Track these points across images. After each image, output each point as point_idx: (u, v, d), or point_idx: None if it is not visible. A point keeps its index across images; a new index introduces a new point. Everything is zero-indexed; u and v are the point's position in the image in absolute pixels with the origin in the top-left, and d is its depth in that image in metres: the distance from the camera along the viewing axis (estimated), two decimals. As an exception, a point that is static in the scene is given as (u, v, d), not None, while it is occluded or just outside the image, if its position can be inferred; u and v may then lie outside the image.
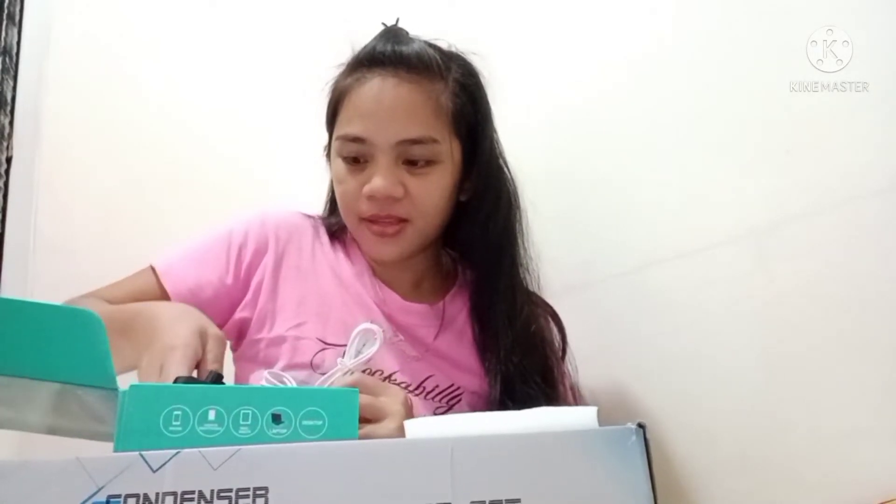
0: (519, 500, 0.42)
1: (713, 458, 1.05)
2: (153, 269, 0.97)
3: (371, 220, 0.94)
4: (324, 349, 0.92)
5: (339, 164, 0.95)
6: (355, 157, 0.93)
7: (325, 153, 1.03)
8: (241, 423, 0.50)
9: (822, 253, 1.01)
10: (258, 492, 0.40)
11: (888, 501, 0.93)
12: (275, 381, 0.75)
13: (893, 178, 0.97)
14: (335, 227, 1.05)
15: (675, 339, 1.10)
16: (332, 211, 1.07)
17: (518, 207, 1.02)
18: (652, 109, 1.17)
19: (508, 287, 0.99)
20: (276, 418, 0.51)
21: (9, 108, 1.39)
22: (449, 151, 0.94)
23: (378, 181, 0.90)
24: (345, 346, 0.81)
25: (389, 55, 0.93)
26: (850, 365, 0.98)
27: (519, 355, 0.94)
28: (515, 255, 1.01)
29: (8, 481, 0.42)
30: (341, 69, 0.99)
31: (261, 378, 0.85)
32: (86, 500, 0.41)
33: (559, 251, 1.22)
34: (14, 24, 1.41)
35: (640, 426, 0.45)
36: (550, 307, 1.08)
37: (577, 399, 1.04)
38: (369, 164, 0.92)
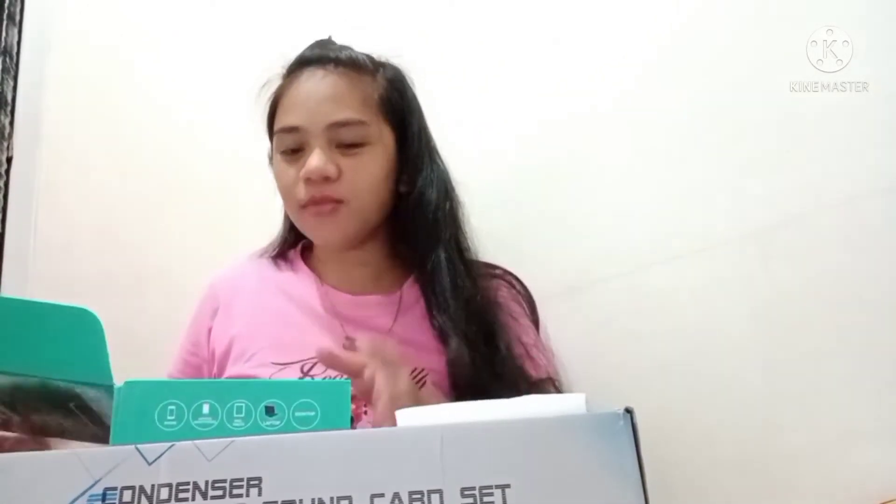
0: (509, 486, 0.42)
1: (713, 458, 1.05)
2: None
3: (311, 204, 0.97)
4: (281, 370, 0.94)
5: (278, 159, 1.00)
6: (293, 148, 0.98)
7: (269, 161, 1.07)
8: (235, 415, 0.51)
9: (821, 253, 1.01)
10: (252, 482, 0.40)
11: (888, 502, 0.93)
12: None
13: (893, 179, 0.97)
14: (280, 246, 1.12)
15: (675, 340, 1.10)
16: (284, 224, 1.13)
17: (452, 199, 1.06)
18: (652, 109, 1.17)
19: (448, 259, 1.01)
20: (270, 410, 0.51)
21: (9, 108, 1.39)
22: (379, 134, 0.98)
23: (312, 161, 0.95)
24: (302, 360, 0.90)
25: (318, 56, 1.01)
26: (849, 365, 0.98)
27: (465, 321, 0.94)
28: (453, 233, 1.02)
29: (4, 474, 0.42)
30: (277, 82, 1.06)
31: None
32: (82, 493, 0.41)
33: (559, 252, 1.22)
34: (14, 24, 1.42)
35: (628, 411, 0.46)
36: (512, 275, 1.10)
37: (545, 358, 1.03)
38: (305, 152, 0.97)
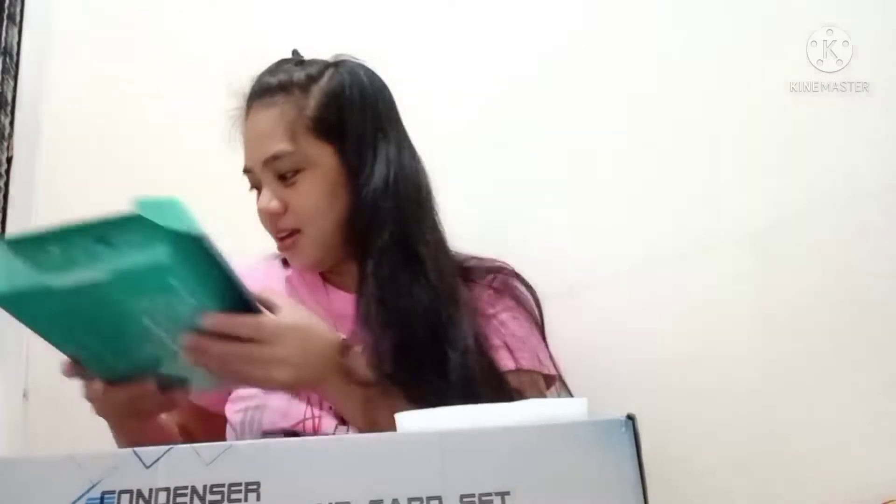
0: (508, 493, 0.42)
1: (713, 458, 1.05)
2: None
3: (277, 238, 1.00)
4: None
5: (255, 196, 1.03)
6: (254, 187, 1.01)
7: None
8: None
9: (821, 253, 1.01)
10: (250, 487, 0.40)
11: (888, 502, 0.93)
12: None
13: (893, 179, 0.97)
14: None
15: (675, 340, 1.10)
16: None
17: (400, 192, 0.99)
18: (652, 109, 1.17)
19: (385, 258, 0.97)
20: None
21: (9, 108, 1.39)
22: (310, 156, 0.97)
23: (259, 201, 0.99)
24: None
25: (257, 88, 1.02)
26: (850, 366, 0.98)
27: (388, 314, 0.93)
28: (399, 227, 0.99)
29: (3, 477, 0.42)
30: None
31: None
32: (80, 497, 0.41)
33: (559, 252, 1.22)
34: (14, 24, 1.41)
35: (630, 417, 0.45)
36: (507, 270, 1.05)
37: (527, 350, 1.01)
38: (260, 190, 1.00)
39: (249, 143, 1.00)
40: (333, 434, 0.90)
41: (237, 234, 1.27)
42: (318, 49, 1.06)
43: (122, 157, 1.40)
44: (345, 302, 1.00)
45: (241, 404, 0.94)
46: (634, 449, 0.44)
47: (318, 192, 0.97)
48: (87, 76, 1.43)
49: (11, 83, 1.41)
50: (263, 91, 1.00)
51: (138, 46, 1.45)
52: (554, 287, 1.19)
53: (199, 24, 1.45)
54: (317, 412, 0.91)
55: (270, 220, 0.98)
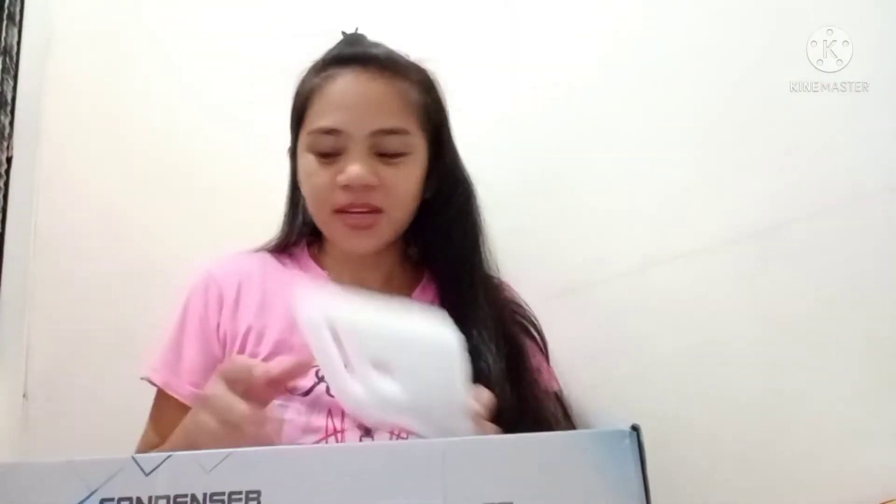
0: (511, 504, 0.42)
1: (713, 458, 1.05)
2: (152, 382, 0.99)
3: (345, 212, 0.94)
4: None
5: (310, 159, 0.96)
6: (328, 151, 0.94)
7: (290, 154, 1.04)
8: None
9: (822, 253, 1.00)
10: (250, 495, 0.40)
11: (888, 502, 0.93)
12: None
13: (893, 179, 0.97)
14: (285, 242, 1.07)
15: (676, 340, 1.10)
16: (292, 219, 1.09)
17: (478, 207, 1.05)
18: (652, 109, 1.17)
19: (478, 280, 1.01)
20: None
21: (9, 108, 1.39)
22: (418, 144, 0.97)
23: (355, 168, 0.91)
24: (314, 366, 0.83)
25: (360, 55, 0.97)
26: (850, 365, 0.98)
27: (491, 339, 0.94)
28: (481, 251, 1.02)
29: (0, 484, 0.41)
30: (305, 73, 1.02)
31: None
32: (79, 504, 0.40)
33: (559, 252, 1.22)
34: (14, 24, 1.41)
35: (634, 429, 0.45)
36: (523, 311, 1.08)
37: (562, 403, 1.03)
38: (342, 157, 0.93)
39: (349, 107, 0.94)
40: None
41: (239, 232, 1.27)
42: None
43: (122, 156, 1.40)
44: None
45: None
46: (639, 460, 0.44)
47: (414, 180, 0.97)
48: (87, 76, 1.43)
49: (11, 83, 1.41)
50: (367, 59, 0.96)
51: (138, 46, 1.45)
52: (554, 287, 1.19)
53: (199, 24, 1.45)
54: (339, 425, 0.87)
55: (357, 191, 0.92)
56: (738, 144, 1.08)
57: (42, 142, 1.41)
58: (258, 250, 1.08)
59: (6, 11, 1.40)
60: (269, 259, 1.06)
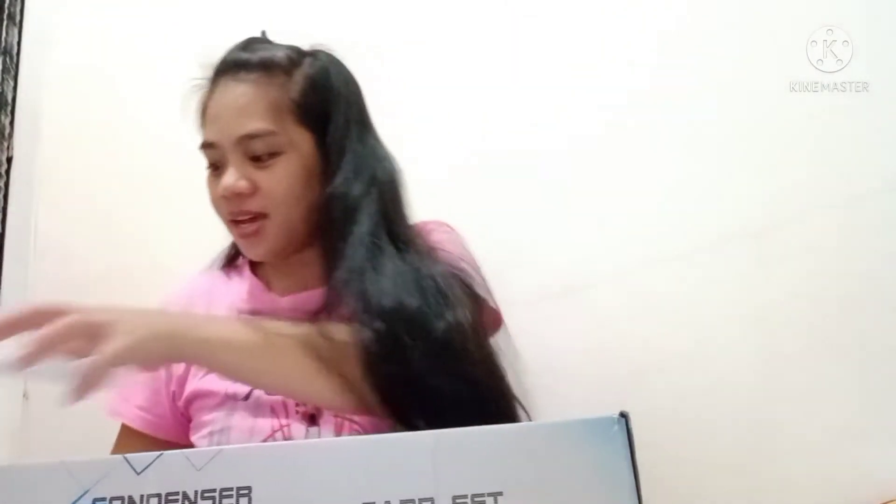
0: (501, 494, 0.42)
1: (710, 458, 1.05)
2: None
3: (235, 222, 0.95)
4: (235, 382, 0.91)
5: (207, 174, 0.97)
6: (213, 163, 0.95)
7: None
8: None
9: (819, 253, 1.01)
10: (241, 491, 0.40)
11: (888, 502, 0.93)
12: None
13: (892, 179, 0.97)
14: (230, 255, 1.07)
15: (674, 339, 1.10)
16: None
17: (380, 189, 0.97)
18: (652, 109, 1.17)
19: (366, 251, 0.93)
20: None
21: (9, 108, 1.39)
22: (291, 141, 0.94)
23: (225, 179, 0.92)
24: None
25: (231, 62, 0.97)
26: (847, 365, 0.98)
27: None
28: (377, 223, 0.94)
29: (-8, 485, 0.41)
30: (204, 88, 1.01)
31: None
32: (72, 504, 0.40)
33: (559, 252, 1.22)
34: (14, 24, 1.41)
35: (623, 415, 0.45)
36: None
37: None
38: (224, 168, 0.94)
39: (218, 118, 0.94)
40: (305, 438, 0.86)
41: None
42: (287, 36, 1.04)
43: (122, 156, 1.40)
44: (293, 304, 0.97)
45: (203, 430, 0.89)
46: (628, 446, 0.44)
47: (294, 178, 0.94)
48: (87, 76, 1.43)
49: (11, 83, 1.41)
50: (239, 66, 0.96)
51: (138, 46, 1.45)
52: (552, 287, 1.19)
53: (199, 24, 1.45)
54: (283, 421, 0.87)
55: (234, 200, 0.93)
56: (738, 144, 1.08)
57: (42, 142, 1.41)
58: (211, 266, 1.08)
59: (6, 11, 1.40)
60: (218, 276, 1.06)
